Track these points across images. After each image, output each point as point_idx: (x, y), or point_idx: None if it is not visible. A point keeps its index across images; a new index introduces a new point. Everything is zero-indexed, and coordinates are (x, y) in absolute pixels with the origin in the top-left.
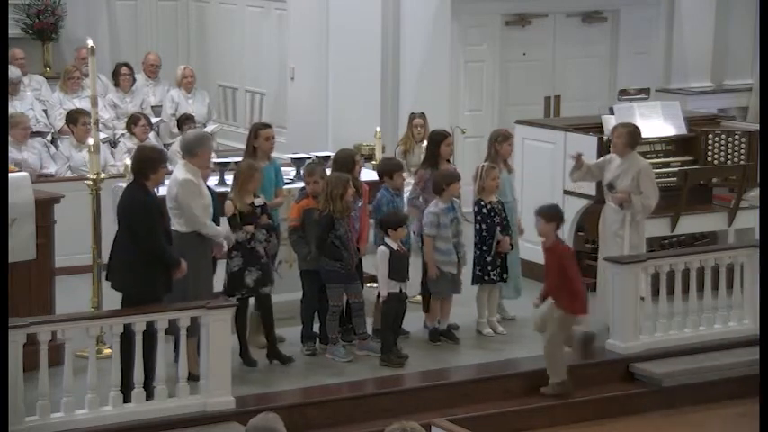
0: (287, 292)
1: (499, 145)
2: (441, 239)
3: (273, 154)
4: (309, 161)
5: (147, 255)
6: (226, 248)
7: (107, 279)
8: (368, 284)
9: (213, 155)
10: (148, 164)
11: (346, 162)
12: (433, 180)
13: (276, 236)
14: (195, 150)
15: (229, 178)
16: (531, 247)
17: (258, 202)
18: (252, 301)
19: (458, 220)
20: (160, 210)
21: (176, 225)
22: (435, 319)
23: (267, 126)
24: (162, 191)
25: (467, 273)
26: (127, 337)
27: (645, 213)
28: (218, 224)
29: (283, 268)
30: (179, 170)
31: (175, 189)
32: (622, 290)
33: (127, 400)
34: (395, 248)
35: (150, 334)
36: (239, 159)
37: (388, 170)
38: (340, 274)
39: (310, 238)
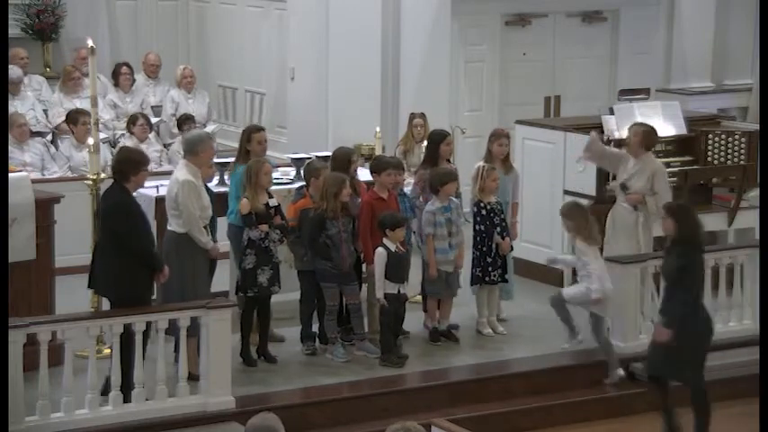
0: (287, 292)
1: (491, 144)
2: (436, 238)
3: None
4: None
5: (133, 257)
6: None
7: (89, 286)
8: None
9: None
10: (130, 166)
11: (343, 160)
12: (429, 179)
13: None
14: (197, 149)
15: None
16: (527, 247)
17: (273, 202)
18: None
19: (452, 220)
20: (143, 211)
21: (174, 225)
22: (434, 319)
23: (260, 129)
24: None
25: (464, 274)
26: (126, 337)
27: (659, 214)
28: (215, 225)
29: (283, 268)
30: (180, 170)
31: (175, 189)
32: (622, 290)
33: (127, 400)
34: (393, 249)
35: (128, 335)
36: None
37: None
38: (332, 274)
39: (305, 238)
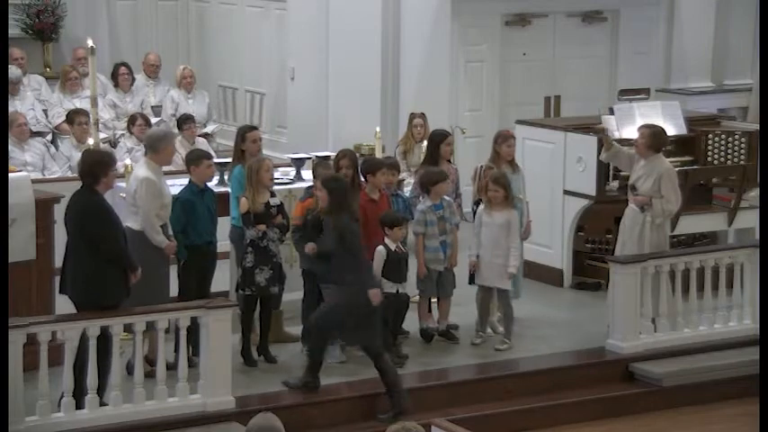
0: (288, 291)
1: (498, 146)
2: (427, 237)
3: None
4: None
5: (108, 259)
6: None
7: (61, 291)
8: None
9: (213, 154)
10: (100, 167)
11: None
12: (419, 180)
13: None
14: (158, 146)
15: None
16: (526, 247)
17: (274, 201)
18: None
19: (444, 218)
20: (115, 213)
21: (130, 222)
22: (426, 319)
23: (253, 128)
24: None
25: (463, 273)
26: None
27: (665, 217)
28: (215, 222)
29: (284, 268)
30: (140, 168)
31: (135, 186)
32: (622, 290)
33: (127, 400)
34: (392, 249)
35: (105, 338)
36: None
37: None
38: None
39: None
